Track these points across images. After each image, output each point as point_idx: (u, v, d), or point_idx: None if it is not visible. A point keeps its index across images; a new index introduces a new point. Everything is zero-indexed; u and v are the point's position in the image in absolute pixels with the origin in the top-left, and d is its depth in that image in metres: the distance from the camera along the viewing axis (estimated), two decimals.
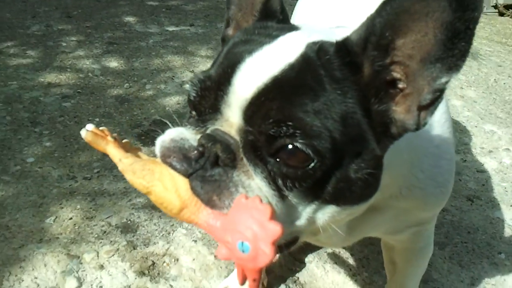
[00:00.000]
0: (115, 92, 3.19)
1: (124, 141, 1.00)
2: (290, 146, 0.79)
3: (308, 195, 0.85)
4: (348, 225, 1.10)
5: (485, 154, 2.80)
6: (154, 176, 0.86)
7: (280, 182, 0.83)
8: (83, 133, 0.94)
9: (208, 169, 0.82)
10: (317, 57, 0.84)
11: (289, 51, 0.85)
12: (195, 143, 0.85)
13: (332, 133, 0.80)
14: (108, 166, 2.40)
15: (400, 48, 0.79)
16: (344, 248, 2.00)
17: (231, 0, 1.06)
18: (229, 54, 0.90)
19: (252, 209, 0.75)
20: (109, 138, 0.95)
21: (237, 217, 0.77)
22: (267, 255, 0.74)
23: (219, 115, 0.86)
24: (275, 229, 0.73)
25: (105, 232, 1.99)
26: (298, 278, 1.86)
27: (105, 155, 2.46)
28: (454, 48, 0.75)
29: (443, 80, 0.78)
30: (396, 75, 0.83)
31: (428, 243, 1.48)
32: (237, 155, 0.83)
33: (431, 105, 0.83)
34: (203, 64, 3.70)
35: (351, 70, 0.83)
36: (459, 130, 3.05)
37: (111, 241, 1.94)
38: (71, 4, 4.96)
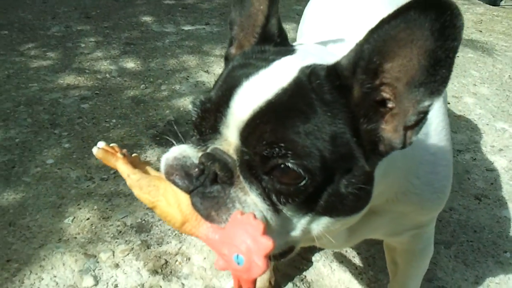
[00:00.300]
0: (132, 93, 3.29)
1: (133, 155, 1.08)
2: (282, 166, 0.85)
3: (301, 208, 0.91)
4: (348, 228, 1.15)
5: (495, 152, 2.81)
6: (158, 192, 0.94)
7: (274, 197, 0.89)
8: (94, 150, 1.02)
9: (207, 186, 0.89)
10: (308, 81, 0.89)
11: (282, 75, 0.91)
12: (196, 161, 0.92)
13: (322, 153, 0.86)
14: None
15: (388, 71, 0.84)
16: (351, 247, 2.05)
17: (234, 21, 1.11)
18: (228, 78, 0.97)
19: (247, 225, 0.82)
20: (118, 154, 1.02)
21: (233, 232, 0.84)
22: (259, 267, 0.81)
23: (218, 135, 0.92)
24: (267, 244, 0.80)
25: (120, 232, 2.08)
26: (305, 276, 1.93)
27: None
28: (436, 74, 0.80)
29: (426, 103, 0.83)
30: (386, 95, 0.87)
31: (427, 244, 1.53)
32: (235, 173, 0.90)
33: (416, 126, 0.87)
34: (217, 63, 3.77)
35: (341, 93, 0.88)
36: (470, 128, 3.07)
37: (126, 241, 2.03)
38: (90, 4, 5.07)
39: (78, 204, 2.23)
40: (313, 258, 1.99)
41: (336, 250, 1.98)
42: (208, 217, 0.88)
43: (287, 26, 4.66)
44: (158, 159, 2.57)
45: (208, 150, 0.93)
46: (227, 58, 1.14)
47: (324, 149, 0.86)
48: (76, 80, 3.41)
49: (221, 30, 4.50)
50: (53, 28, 4.34)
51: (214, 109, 0.92)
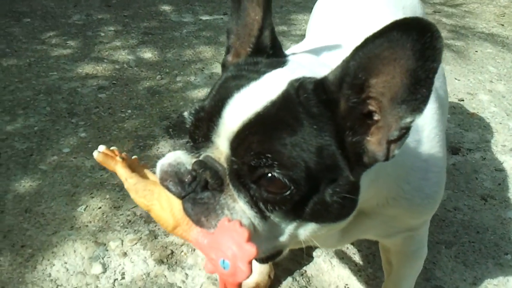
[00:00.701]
0: (148, 83, 3.36)
1: (133, 157, 1.15)
2: (269, 175, 0.90)
3: (288, 215, 0.96)
4: (340, 229, 1.19)
5: (506, 152, 2.81)
6: (153, 196, 1.01)
7: (261, 205, 0.94)
8: (95, 154, 1.10)
9: (198, 192, 0.95)
10: (296, 95, 0.94)
11: (272, 88, 0.95)
12: (189, 167, 0.98)
13: (307, 164, 0.90)
14: None
15: (373, 86, 0.87)
16: (352, 244, 2.10)
17: (231, 30, 1.15)
18: (221, 89, 1.02)
19: (233, 232, 0.89)
20: (117, 158, 1.09)
21: (220, 238, 0.90)
22: (244, 272, 0.87)
23: (210, 143, 0.97)
24: (251, 250, 0.86)
25: (130, 221, 2.17)
26: (305, 271, 1.98)
27: (134, 147, 2.62)
28: (417, 93, 0.83)
29: (408, 120, 0.86)
30: (372, 108, 0.91)
31: (420, 246, 1.56)
32: (224, 181, 0.95)
33: (398, 140, 0.91)
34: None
35: (328, 107, 0.93)
36: (482, 127, 3.06)
37: (135, 230, 2.12)
38: None
39: (91, 193, 2.32)
40: (314, 254, 2.05)
41: (330, 249, 2.03)
42: (198, 222, 0.94)
43: (304, 17, 4.67)
44: (169, 151, 2.64)
45: (201, 158, 0.98)
46: (224, 66, 1.18)
47: (310, 160, 0.91)
48: (94, 70, 3.50)
49: None
50: (74, 17, 4.43)
51: (207, 118, 0.98)
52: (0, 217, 2.14)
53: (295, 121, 0.91)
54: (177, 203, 0.97)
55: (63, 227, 2.11)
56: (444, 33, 4.71)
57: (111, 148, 1.13)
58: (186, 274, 1.93)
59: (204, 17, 4.60)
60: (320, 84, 0.93)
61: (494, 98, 3.45)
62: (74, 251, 1.99)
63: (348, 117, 0.92)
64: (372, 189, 1.09)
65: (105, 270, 1.93)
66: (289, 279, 1.94)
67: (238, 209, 0.94)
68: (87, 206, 2.24)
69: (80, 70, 3.48)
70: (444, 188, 2.28)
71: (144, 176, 1.09)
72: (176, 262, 1.98)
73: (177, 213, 0.97)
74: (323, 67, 1.06)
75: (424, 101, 0.84)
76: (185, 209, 0.95)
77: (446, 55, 4.17)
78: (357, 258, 2.05)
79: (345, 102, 0.91)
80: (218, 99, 0.98)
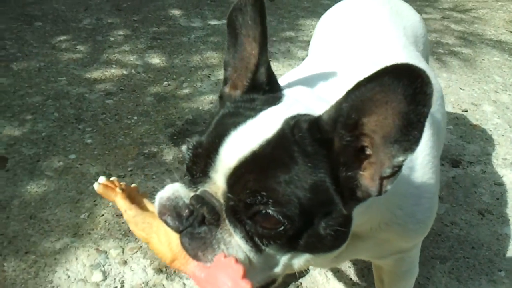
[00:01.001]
0: (155, 90, 3.42)
1: (132, 185, 1.21)
2: (264, 212, 0.94)
3: (283, 248, 1.00)
4: None
5: (507, 166, 2.82)
6: (152, 230, 1.07)
7: (257, 239, 0.98)
8: (95, 186, 1.16)
9: (196, 227, 0.99)
10: (291, 133, 0.97)
11: (268, 127, 0.99)
12: (187, 201, 1.02)
13: (301, 200, 0.94)
14: (140, 165, 2.63)
15: (366, 124, 0.91)
16: None
17: (228, 63, 1.18)
18: (218, 125, 1.05)
19: (229, 268, 0.94)
20: (117, 189, 1.14)
21: (217, 273, 0.95)
22: None
23: (208, 178, 1.01)
24: (246, 287, 0.91)
25: (131, 230, 2.22)
26: (300, 283, 2.02)
27: (139, 154, 2.67)
28: (409, 134, 0.86)
29: (400, 158, 0.90)
30: (364, 143, 0.94)
31: (411, 267, 1.60)
32: (221, 216, 1.00)
33: (391, 177, 0.94)
34: None
35: (322, 145, 0.96)
36: (484, 139, 3.07)
37: (135, 239, 2.17)
38: None
39: (95, 201, 2.38)
40: (310, 266, 2.08)
41: (322, 268, 2.06)
42: (195, 257, 0.98)
43: (312, 23, 4.70)
44: (173, 159, 2.70)
45: (198, 192, 1.02)
46: (221, 97, 1.21)
47: (303, 197, 0.94)
48: (102, 75, 3.56)
49: None
50: (84, 21, 4.50)
51: (204, 154, 1.01)
52: (6, 223, 2.21)
53: (290, 160, 0.95)
54: (174, 237, 1.02)
55: (66, 234, 2.18)
56: (452, 40, 4.72)
57: (111, 178, 1.18)
58: (184, 284, 1.98)
59: (213, 22, 4.65)
60: (314, 124, 0.96)
61: (498, 109, 3.45)
62: (76, 258, 2.06)
63: (342, 154, 0.96)
64: (365, 216, 1.13)
65: (105, 278, 1.99)
66: None
67: (234, 243, 0.99)
68: (90, 213, 2.30)
69: (89, 75, 3.55)
70: (443, 202, 2.31)
71: (144, 207, 1.15)
72: (174, 272, 2.03)
73: (175, 247, 1.02)
74: (318, 101, 1.10)
75: (416, 142, 0.87)
76: (182, 244, 0.99)
77: (453, 63, 4.18)
78: (352, 271, 2.09)
79: (339, 141, 0.94)
80: (215, 136, 1.02)
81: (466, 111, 3.41)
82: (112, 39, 4.18)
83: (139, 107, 3.20)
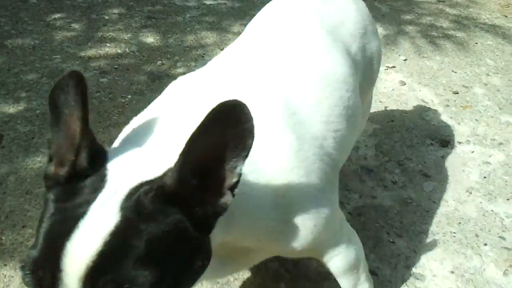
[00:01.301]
0: (148, 69, 3.43)
1: None
2: None
3: None
4: (220, 262, 1.17)
5: (495, 146, 2.88)
6: None
7: None
8: None
9: None
10: (136, 214, 0.90)
11: (105, 219, 0.89)
12: None
13: (165, 270, 0.90)
14: None
15: (208, 169, 0.92)
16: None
17: (52, 140, 1.05)
18: (49, 235, 0.91)
19: None
20: None
21: None
22: None
23: None
24: None
25: None
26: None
27: None
28: (242, 149, 0.90)
29: (238, 168, 0.92)
30: (210, 183, 0.94)
31: (340, 251, 1.51)
32: None
33: (235, 188, 0.95)
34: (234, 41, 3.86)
35: (170, 210, 0.93)
36: (474, 120, 3.12)
37: None
38: None
39: None
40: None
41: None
42: None
43: None
44: None
45: None
46: (46, 177, 1.02)
47: (167, 267, 0.91)
48: (96, 54, 3.57)
49: (242, 5, 4.58)
50: None
51: (48, 276, 0.88)
52: (2, 198, 2.25)
53: (141, 242, 0.89)
54: None
55: None
56: (446, 24, 4.74)
57: None
58: None
59: (208, 2, 4.65)
60: (159, 195, 0.92)
61: (489, 91, 3.50)
62: None
63: (193, 203, 0.94)
64: (233, 233, 1.14)
65: None
66: None
67: None
68: None
69: (83, 54, 3.56)
70: (431, 180, 2.35)
71: None
72: None
73: None
74: (151, 161, 1.03)
75: (249, 149, 0.90)
76: None
77: (446, 46, 4.21)
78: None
79: (189, 197, 0.93)
80: (50, 253, 0.89)
81: (457, 93, 3.45)
82: (106, 17, 4.18)
83: (133, 86, 3.22)
